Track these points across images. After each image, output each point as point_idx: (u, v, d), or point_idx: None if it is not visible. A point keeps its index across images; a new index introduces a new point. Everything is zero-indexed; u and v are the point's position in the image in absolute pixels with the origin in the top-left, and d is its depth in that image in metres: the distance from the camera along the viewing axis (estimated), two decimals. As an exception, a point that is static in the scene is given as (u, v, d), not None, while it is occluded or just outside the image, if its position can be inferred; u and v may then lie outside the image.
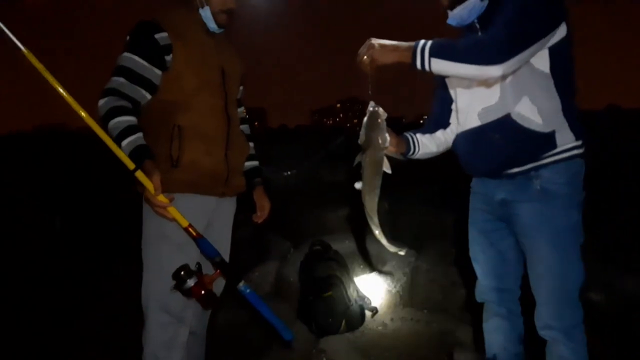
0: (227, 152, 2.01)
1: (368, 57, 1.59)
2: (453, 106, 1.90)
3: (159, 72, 1.87)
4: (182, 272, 1.74)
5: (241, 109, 2.27)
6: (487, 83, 1.67)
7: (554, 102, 1.63)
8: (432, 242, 3.68)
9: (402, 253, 1.74)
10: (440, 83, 1.94)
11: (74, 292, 3.77)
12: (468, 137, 1.80)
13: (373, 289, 3.20)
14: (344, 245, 3.55)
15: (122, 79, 1.82)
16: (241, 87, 2.22)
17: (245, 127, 2.29)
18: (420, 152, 1.91)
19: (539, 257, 1.70)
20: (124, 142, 1.74)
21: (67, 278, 4.08)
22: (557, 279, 1.67)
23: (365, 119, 1.66)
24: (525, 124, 1.62)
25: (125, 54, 1.84)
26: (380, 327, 2.95)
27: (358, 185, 1.68)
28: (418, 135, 1.91)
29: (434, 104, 1.97)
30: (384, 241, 1.71)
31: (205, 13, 1.99)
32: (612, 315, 2.86)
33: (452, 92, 1.89)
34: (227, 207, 2.16)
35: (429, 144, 1.92)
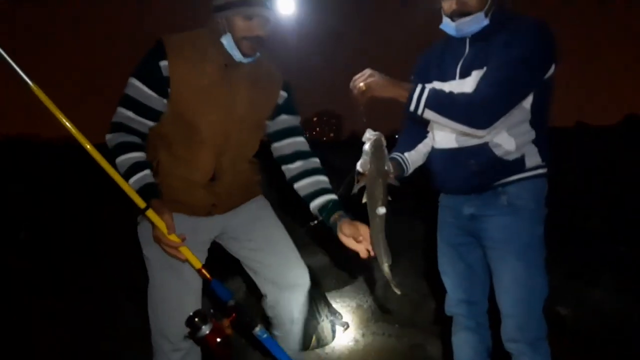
0: (214, 191, 1.91)
1: (365, 85, 1.59)
2: None
3: (164, 100, 1.80)
4: (197, 319, 1.60)
5: (296, 139, 2.03)
6: None
7: (529, 135, 1.69)
8: (404, 255, 3.68)
9: (397, 292, 1.68)
10: None
11: (36, 305, 3.64)
12: (443, 156, 1.81)
13: (344, 304, 3.18)
14: (315, 259, 3.51)
15: (129, 113, 1.77)
16: (284, 116, 2.01)
17: (309, 162, 2.01)
18: (411, 170, 1.92)
19: (506, 269, 1.72)
20: (131, 181, 1.70)
21: (30, 291, 3.95)
22: (524, 291, 1.69)
23: (370, 146, 1.56)
24: (500, 154, 1.68)
25: (133, 79, 1.78)
26: (351, 343, 2.92)
27: (382, 210, 1.56)
28: (406, 154, 1.91)
29: (409, 117, 1.97)
30: (389, 277, 1.65)
31: (228, 41, 1.80)
32: (580, 328, 2.90)
33: None
34: (251, 212, 2.04)
35: (416, 159, 1.94)
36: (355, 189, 1.60)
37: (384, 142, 1.56)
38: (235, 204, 2.01)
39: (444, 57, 1.81)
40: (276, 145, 2.03)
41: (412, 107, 1.61)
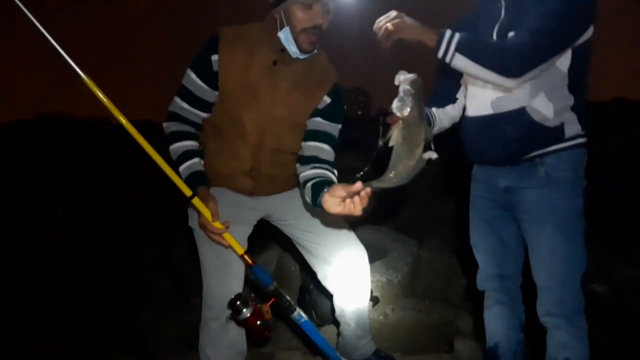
0: (254, 176, 1.95)
1: (391, 25, 1.49)
2: (462, 81, 1.86)
3: (216, 92, 1.87)
4: (238, 302, 1.67)
5: (321, 145, 1.91)
6: None
7: (567, 100, 1.63)
8: (434, 231, 3.67)
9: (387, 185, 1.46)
10: None
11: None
12: (478, 125, 1.76)
13: (374, 278, 3.19)
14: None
15: (184, 104, 1.87)
16: (319, 119, 1.92)
17: (324, 165, 1.87)
18: (437, 128, 1.88)
19: (543, 242, 1.68)
20: (181, 168, 1.80)
21: (68, 268, 4.08)
22: (561, 264, 1.66)
23: (410, 86, 1.43)
24: (538, 119, 1.62)
25: (189, 71, 1.86)
26: (381, 317, 2.94)
27: (434, 155, 1.42)
28: (433, 109, 1.88)
29: (441, 77, 1.92)
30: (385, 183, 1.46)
31: (286, 35, 1.76)
32: (614, 305, 2.86)
33: None
34: (299, 198, 2.07)
35: (443, 119, 1.90)
36: (391, 133, 1.45)
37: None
38: (278, 190, 2.05)
39: (479, 23, 1.75)
40: (302, 143, 1.96)
41: (441, 52, 1.51)
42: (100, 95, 1.61)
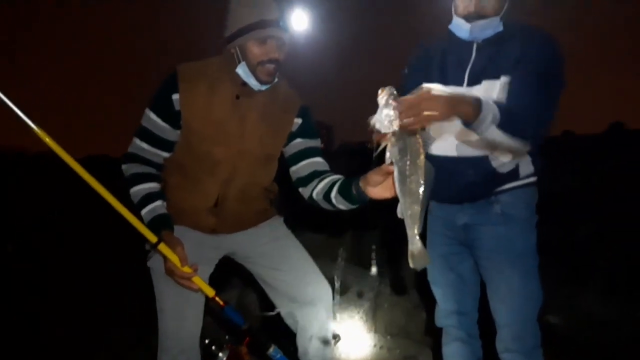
0: (217, 213, 1.90)
1: (429, 111, 1.26)
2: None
3: (177, 131, 1.83)
4: (213, 347, 1.63)
5: (314, 160, 1.94)
6: None
7: (525, 147, 1.67)
8: (395, 265, 3.68)
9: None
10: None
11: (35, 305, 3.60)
12: (441, 164, 1.77)
13: (335, 315, 3.16)
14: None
15: (144, 144, 1.82)
16: (299, 139, 1.94)
17: (329, 178, 1.85)
18: None
19: (501, 279, 1.71)
20: (143, 211, 1.73)
21: (18, 307, 3.90)
22: (520, 300, 1.69)
23: (393, 96, 1.31)
24: (498, 166, 1.67)
25: (148, 111, 1.81)
26: (343, 355, 2.90)
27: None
28: None
29: None
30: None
31: (244, 70, 1.76)
32: (570, 336, 2.91)
33: None
34: (264, 234, 2.02)
35: None
36: (384, 148, 1.35)
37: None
38: (242, 227, 2.00)
39: (446, 59, 1.74)
40: (293, 168, 1.97)
41: (477, 126, 1.37)
42: (53, 145, 1.56)
